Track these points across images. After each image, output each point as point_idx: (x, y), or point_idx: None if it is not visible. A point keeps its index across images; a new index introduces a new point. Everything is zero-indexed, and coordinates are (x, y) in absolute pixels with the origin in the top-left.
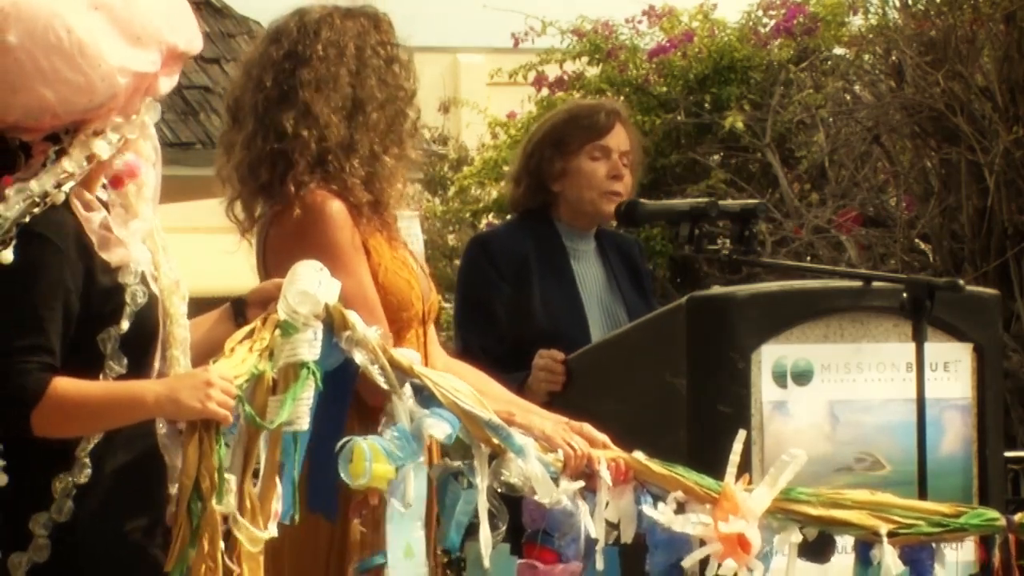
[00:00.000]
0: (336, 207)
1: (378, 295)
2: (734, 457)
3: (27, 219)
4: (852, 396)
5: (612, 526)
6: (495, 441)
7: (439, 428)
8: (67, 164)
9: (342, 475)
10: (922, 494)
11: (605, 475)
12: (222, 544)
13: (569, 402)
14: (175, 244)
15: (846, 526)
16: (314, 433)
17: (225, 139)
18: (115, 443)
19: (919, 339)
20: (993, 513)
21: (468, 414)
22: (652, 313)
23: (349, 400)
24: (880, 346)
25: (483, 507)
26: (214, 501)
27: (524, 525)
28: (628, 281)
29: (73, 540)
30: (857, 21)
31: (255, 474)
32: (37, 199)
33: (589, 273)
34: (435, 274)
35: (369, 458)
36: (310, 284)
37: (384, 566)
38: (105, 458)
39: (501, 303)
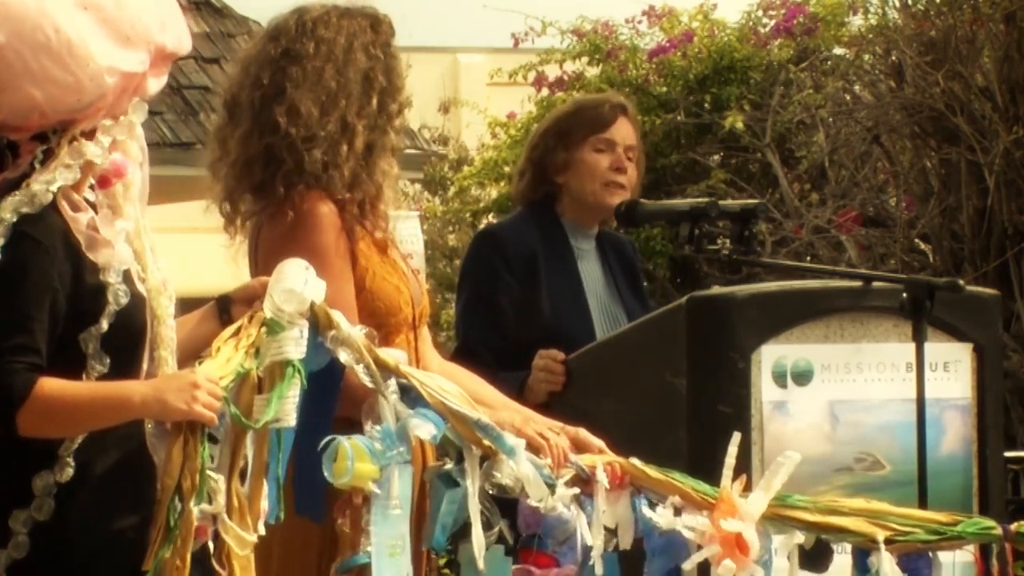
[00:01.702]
0: (325, 210)
1: (366, 300)
2: (730, 460)
3: (15, 219)
4: (852, 396)
5: (610, 532)
6: (486, 442)
7: (424, 428)
8: (61, 173)
9: (326, 474)
10: (922, 494)
11: (602, 479)
12: (211, 545)
13: (569, 402)
14: (174, 244)
15: (843, 533)
16: (300, 435)
17: (220, 134)
18: (106, 443)
19: (919, 339)
20: (989, 522)
21: (456, 414)
22: (652, 313)
23: (335, 402)
24: (880, 346)
25: (475, 509)
26: (192, 502)
27: (519, 530)
28: (625, 281)
29: (63, 539)
30: (857, 21)
31: (242, 474)
32: (25, 199)
33: (590, 272)
34: (435, 274)
35: (351, 457)
36: (296, 282)
37: (367, 566)
38: (96, 458)
39: (508, 298)
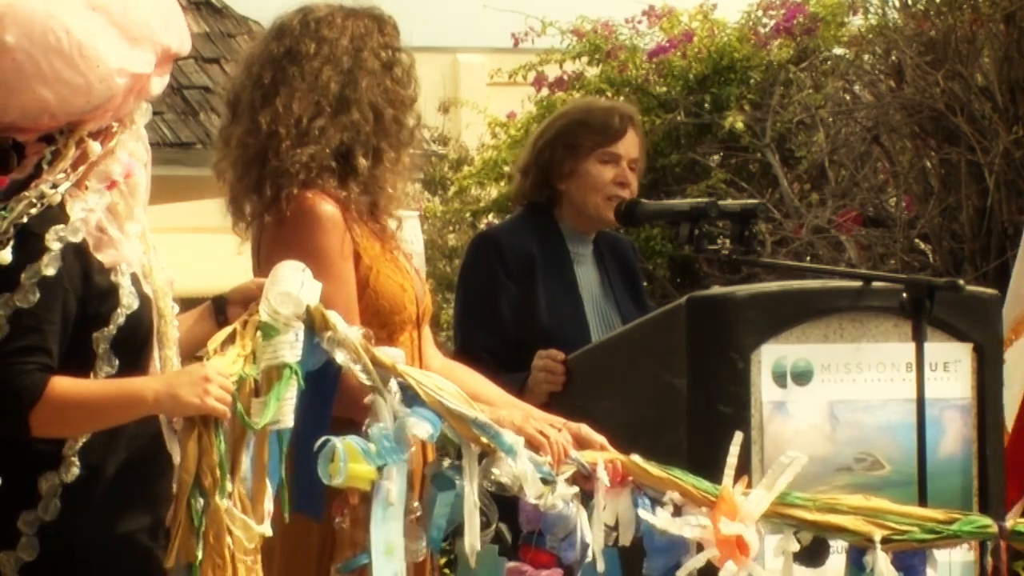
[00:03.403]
0: (327, 210)
1: (370, 298)
2: (731, 460)
3: (24, 219)
4: (852, 396)
5: (611, 528)
6: (484, 440)
7: (421, 428)
8: (68, 174)
9: (320, 474)
10: (922, 494)
11: (603, 476)
12: (229, 540)
13: (569, 402)
14: (175, 244)
15: (840, 531)
16: (299, 434)
17: (224, 132)
18: (115, 443)
19: (919, 339)
20: (986, 520)
21: (454, 413)
22: (652, 313)
23: (333, 401)
24: (880, 346)
25: (471, 507)
26: (217, 497)
27: (520, 526)
28: (622, 285)
29: (71, 540)
30: (857, 21)
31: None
32: (34, 200)
33: (587, 277)
34: (435, 274)
35: (344, 458)
36: (292, 285)
37: (368, 566)
38: (106, 458)
39: (507, 302)
